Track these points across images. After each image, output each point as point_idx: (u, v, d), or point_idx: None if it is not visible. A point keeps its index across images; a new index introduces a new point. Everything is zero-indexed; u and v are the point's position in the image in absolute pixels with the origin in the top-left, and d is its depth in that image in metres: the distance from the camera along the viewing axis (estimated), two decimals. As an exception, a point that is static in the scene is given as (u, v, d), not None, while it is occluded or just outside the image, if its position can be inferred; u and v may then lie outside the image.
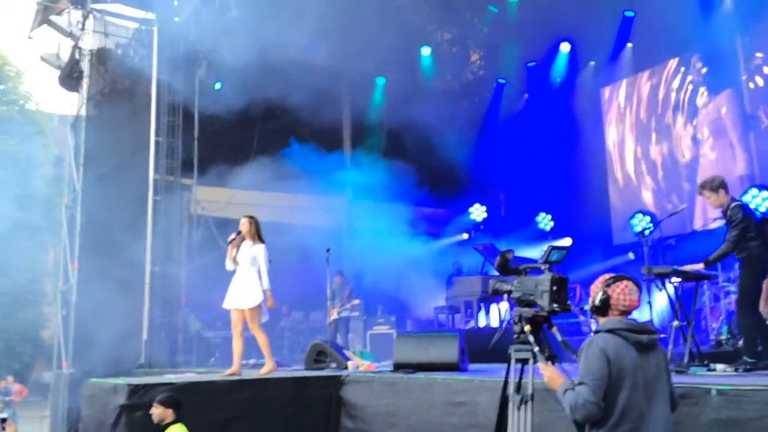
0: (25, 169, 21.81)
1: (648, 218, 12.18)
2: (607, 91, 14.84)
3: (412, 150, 14.80)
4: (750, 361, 5.41)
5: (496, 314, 11.46)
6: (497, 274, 3.84)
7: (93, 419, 6.51)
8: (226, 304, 7.20)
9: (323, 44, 13.49)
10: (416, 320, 13.10)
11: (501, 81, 16.32)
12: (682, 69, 13.12)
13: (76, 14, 13.24)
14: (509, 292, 3.63)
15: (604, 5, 13.15)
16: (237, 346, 7.20)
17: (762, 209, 9.76)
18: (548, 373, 3.25)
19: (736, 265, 6.69)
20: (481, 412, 5.07)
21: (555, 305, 3.43)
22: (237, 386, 6.42)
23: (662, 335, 4.04)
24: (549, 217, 15.16)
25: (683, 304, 5.77)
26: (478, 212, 16.16)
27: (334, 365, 7.72)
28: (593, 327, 8.44)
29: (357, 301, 11.68)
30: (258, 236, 7.25)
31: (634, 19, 13.44)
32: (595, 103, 14.93)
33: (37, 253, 22.45)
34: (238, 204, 12.37)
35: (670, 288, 5.95)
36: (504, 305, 10.97)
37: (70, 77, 13.47)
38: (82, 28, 13.24)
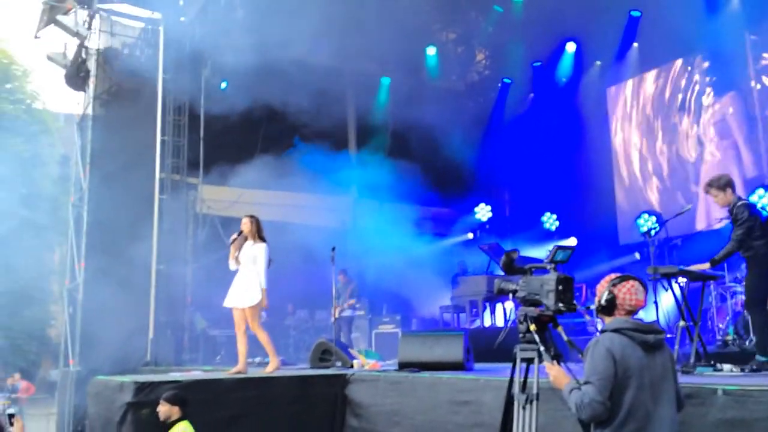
0: (31, 168, 21.88)
1: (654, 218, 12.16)
2: (612, 91, 14.81)
3: (417, 150, 14.81)
4: (763, 360, 5.39)
5: (501, 314, 11.46)
6: (502, 273, 3.84)
7: (99, 416, 6.54)
8: (227, 303, 7.25)
9: (328, 44, 13.50)
10: (421, 319, 13.11)
11: (506, 81, 16.30)
12: (689, 69, 13.09)
13: (83, 14, 13.28)
14: (514, 292, 3.63)
15: (610, 5, 13.10)
16: (241, 345, 7.24)
17: (769, 209, 9.72)
18: (554, 372, 3.26)
19: (743, 265, 6.67)
20: (486, 411, 5.07)
21: (561, 305, 3.43)
22: (243, 384, 6.44)
23: (668, 335, 4.04)
24: (554, 216, 15.15)
25: (690, 304, 5.76)
26: (483, 212, 16.16)
27: (339, 364, 7.73)
28: (599, 326, 8.43)
29: (352, 301, 11.62)
30: (259, 235, 7.27)
31: (640, 18, 13.41)
32: (601, 102, 14.90)
33: (43, 252, 22.55)
34: (243, 203, 12.41)
35: (677, 288, 5.94)
36: (509, 305, 10.97)
37: (77, 77, 13.51)
38: (89, 28, 13.28)
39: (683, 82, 13.19)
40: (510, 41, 15.05)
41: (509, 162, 15.92)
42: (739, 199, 5.87)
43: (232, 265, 7.28)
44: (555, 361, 3.35)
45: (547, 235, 14.63)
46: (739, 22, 11.71)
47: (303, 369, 8.02)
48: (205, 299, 11.71)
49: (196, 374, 7.79)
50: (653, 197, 13.64)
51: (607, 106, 14.86)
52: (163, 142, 12.45)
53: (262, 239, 7.26)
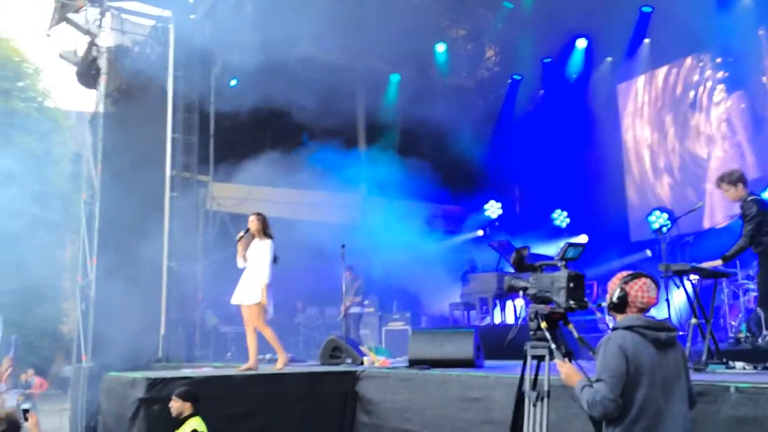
0: (43, 165, 22.03)
1: (665, 215, 12.10)
2: (623, 87, 14.73)
3: (427, 147, 14.80)
4: None
5: (511, 311, 11.44)
6: (512, 270, 3.83)
7: (112, 412, 6.59)
8: (234, 300, 7.30)
9: (337, 41, 13.51)
10: (431, 317, 13.11)
11: (516, 77, 16.25)
12: (700, 65, 13.00)
13: (94, 12, 13.33)
14: (525, 289, 3.62)
15: (622, 0, 13.04)
16: (251, 342, 7.27)
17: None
18: (565, 369, 3.25)
19: (755, 262, 6.63)
20: (497, 408, 5.07)
21: (572, 302, 3.41)
22: (253, 381, 6.48)
23: (680, 333, 4.02)
24: (565, 213, 15.10)
25: (702, 302, 5.72)
26: (493, 209, 16.12)
27: (349, 361, 7.74)
28: (610, 324, 8.40)
29: (357, 298, 11.59)
30: (265, 233, 7.29)
31: (651, 14, 13.32)
32: (612, 99, 14.83)
33: (55, 249, 22.70)
34: (253, 200, 12.45)
35: (689, 285, 5.91)
36: (519, 302, 10.96)
37: (88, 74, 13.57)
38: (100, 26, 13.34)
39: (695, 79, 13.11)
40: (520, 37, 14.99)
41: (519, 159, 15.87)
42: (750, 194, 5.85)
43: (240, 263, 7.32)
44: (566, 359, 3.34)
45: (558, 232, 14.58)
46: (751, 18, 11.62)
47: (313, 366, 8.04)
48: (215, 296, 11.76)
49: (207, 370, 7.82)
50: (664, 194, 13.57)
51: (617, 103, 14.80)
52: (173, 139, 12.49)
53: (269, 236, 7.29)
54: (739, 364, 5.29)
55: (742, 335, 7.57)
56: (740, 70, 12.10)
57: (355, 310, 11.47)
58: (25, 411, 4.47)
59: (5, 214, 16.59)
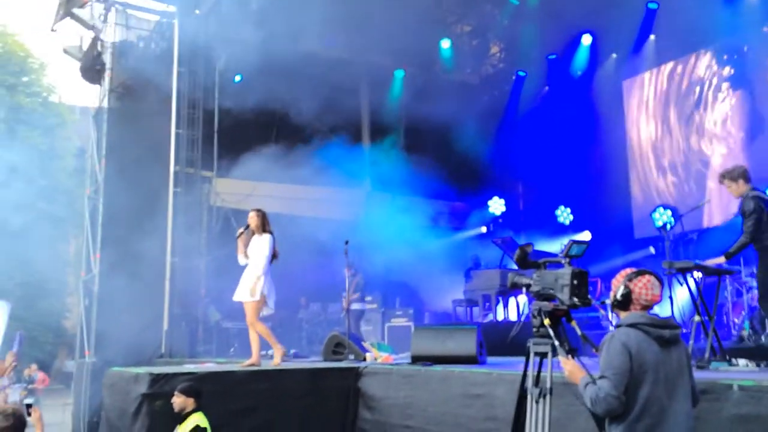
0: (47, 160, 22.07)
1: (669, 212, 12.07)
2: (628, 84, 14.68)
3: (431, 143, 14.78)
4: None
5: (514, 308, 11.43)
6: (516, 267, 3.83)
7: (115, 407, 6.61)
8: (235, 297, 7.30)
9: (342, 37, 13.49)
10: (434, 313, 13.10)
11: (521, 74, 16.21)
12: (706, 62, 12.95)
13: (99, 7, 13.34)
14: (528, 286, 3.62)
15: (627, -3, 13.00)
16: (254, 337, 7.27)
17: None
18: (569, 366, 3.24)
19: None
20: (499, 405, 5.07)
21: (576, 299, 3.41)
22: (256, 377, 6.49)
23: (684, 330, 4.01)
24: (568, 210, 15.07)
25: (705, 299, 5.71)
26: (496, 205, 16.10)
27: (352, 357, 7.75)
28: (613, 321, 8.39)
29: (355, 295, 11.55)
30: (264, 228, 7.28)
31: (657, 11, 13.26)
32: (617, 95, 14.78)
33: (59, 244, 22.76)
34: (257, 196, 12.45)
35: (692, 283, 5.89)
36: (522, 299, 10.94)
37: (92, 69, 13.58)
38: (104, 21, 13.35)
39: (700, 76, 13.06)
40: (525, 34, 14.93)
41: (523, 155, 15.84)
42: (753, 189, 5.84)
43: (242, 260, 7.31)
44: (570, 356, 3.34)
45: (561, 229, 14.56)
46: (757, 15, 11.57)
47: (316, 362, 8.05)
48: (218, 292, 11.76)
49: (210, 366, 7.84)
50: (668, 191, 13.53)
51: (622, 99, 14.74)
52: (177, 135, 12.51)
53: (268, 232, 7.28)
54: (742, 362, 5.29)
55: (745, 333, 7.56)
56: (746, 67, 12.05)
57: (356, 306, 11.43)
58: (28, 406, 4.48)
59: (9, 208, 16.63)
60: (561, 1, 13.35)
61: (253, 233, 7.30)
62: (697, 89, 13.07)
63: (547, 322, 3.45)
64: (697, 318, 5.57)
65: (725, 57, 12.56)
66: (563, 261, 3.53)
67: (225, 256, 11.48)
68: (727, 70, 12.52)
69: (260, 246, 7.20)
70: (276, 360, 7.24)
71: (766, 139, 11.68)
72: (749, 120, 12.09)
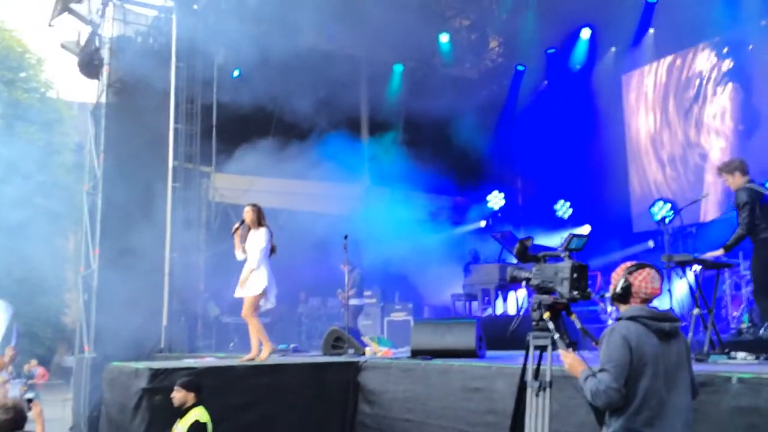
0: (45, 156, 22.04)
1: (668, 206, 12.08)
2: (627, 78, 14.67)
3: (430, 137, 14.75)
4: None
5: (513, 302, 11.44)
6: (515, 261, 3.83)
7: (115, 402, 6.62)
8: (236, 293, 7.32)
9: (341, 31, 13.45)
10: (433, 307, 13.12)
11: (520, 68, 16.17)
12: (705, 56, 12.93)
13: (96, 2, 13.29)
14: (528, 280, 3.62)
15: (626, -10, 12.98)
16: (253, 332, 7.29)
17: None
18: (569, 360, 3.25)
19: (756, 253, 6.63)
20: (499, 398, 5.08)
21: (575, 292, 3.41)
22: (256, 371, 6.50)
23: (683, 323, 4.02)
24: (568, 204, 15.07)
25: (704, 292, 5.72)
26: (495, 200, 16.10)
27: (351, 351, 7.76)
28: (613, 314, 8.41)
29: (352, 291, 11.53)
30: (260, 223, 7.28)
31: (656, 4, 13.24)
32: (616, 89, 14.77)
33: (58, 240, 22.75)
34: (256, 191, 12.42)
35: (691, 276, 5.91)
36: (521, 293, 10.95)
37: (90, 65, 13.53)
38: (102, 16, 13.30)
39: (699, 70, 13.05)
40: (524, 28, 14.91)
41: (522, 149, 15.84)
42: (750, 182, 5.86)
43: (239, 255, 7.34)
44: (570, 349, 3.34)
45: (561, 223, 14.56)
46: (756, 10, 11.55)
47: (316, 356, 8.06)
48: (217, 287, 11.77)
49: (209, 361, 7.85)
50: (667, 185, 13.54)
51: (621, 93, 14.73)
52: (176, 130, 12.48)
53: (263, 226, 7.29)
54: (740, 355, 5.29)
55: (744, 326, 7.57)
56: (745, 61, 12.04)
57: (354, 302, 11.41)
58: (29, 401, 4.49)
59: (7, 204, 16.61)
60: (560, -6, 13.34)
61: (249, 228, 7.31)
62: (696, 83, 13.06)
63: (546, 315, 3.45)
64: (696, 311, 5.58)
65: (724, 51, 12.54)
66: (563, 254, 3.53)
67: (224, 251, 11.48)
68: (726, 64, 12.51)
69: (256, 240, 7.21)
70: (263, 355, 7.22)
71: (765, 132, 11.68)
72: (748, 113, 12.08)
